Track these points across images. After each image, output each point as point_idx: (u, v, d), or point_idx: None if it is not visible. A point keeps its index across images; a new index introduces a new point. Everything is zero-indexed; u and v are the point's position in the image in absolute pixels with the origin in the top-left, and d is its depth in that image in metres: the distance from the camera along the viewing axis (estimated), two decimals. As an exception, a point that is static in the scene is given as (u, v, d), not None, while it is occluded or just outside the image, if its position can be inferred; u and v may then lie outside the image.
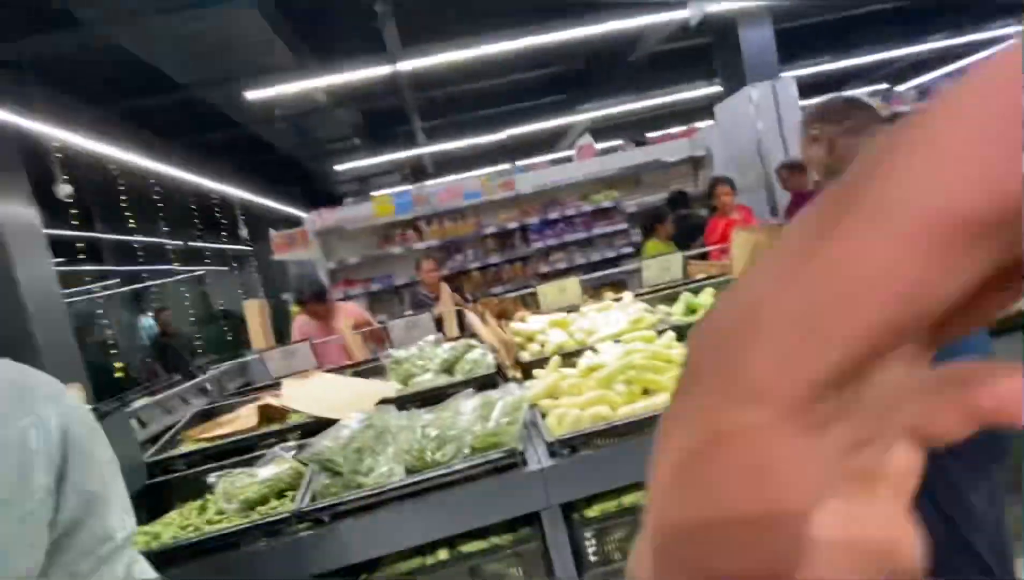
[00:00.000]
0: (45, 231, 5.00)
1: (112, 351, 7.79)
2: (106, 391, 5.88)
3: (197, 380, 2.83)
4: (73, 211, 5.86)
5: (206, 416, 2.13)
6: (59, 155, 4.51)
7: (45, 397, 0.75)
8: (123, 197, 6.62)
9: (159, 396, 2.40)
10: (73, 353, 5.04)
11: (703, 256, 3.47)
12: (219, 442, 1.84)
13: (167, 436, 1.95)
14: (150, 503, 1.66)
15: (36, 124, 3.95)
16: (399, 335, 2.61)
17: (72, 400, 0.84)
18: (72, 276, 8.21)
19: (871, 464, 0.14)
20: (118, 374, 7.23)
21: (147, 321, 10.05)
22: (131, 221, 7.35)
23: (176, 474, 1.70)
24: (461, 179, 6.15)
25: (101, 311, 8.83)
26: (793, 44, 6.15)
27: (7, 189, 4.40)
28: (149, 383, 6.19)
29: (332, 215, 5.34)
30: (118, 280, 10.10)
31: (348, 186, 10.24)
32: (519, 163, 7.50)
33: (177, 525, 1.50)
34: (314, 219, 5.30)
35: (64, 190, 4.63)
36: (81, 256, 7.51)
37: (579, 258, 5.54)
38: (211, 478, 1.51)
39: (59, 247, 6.27)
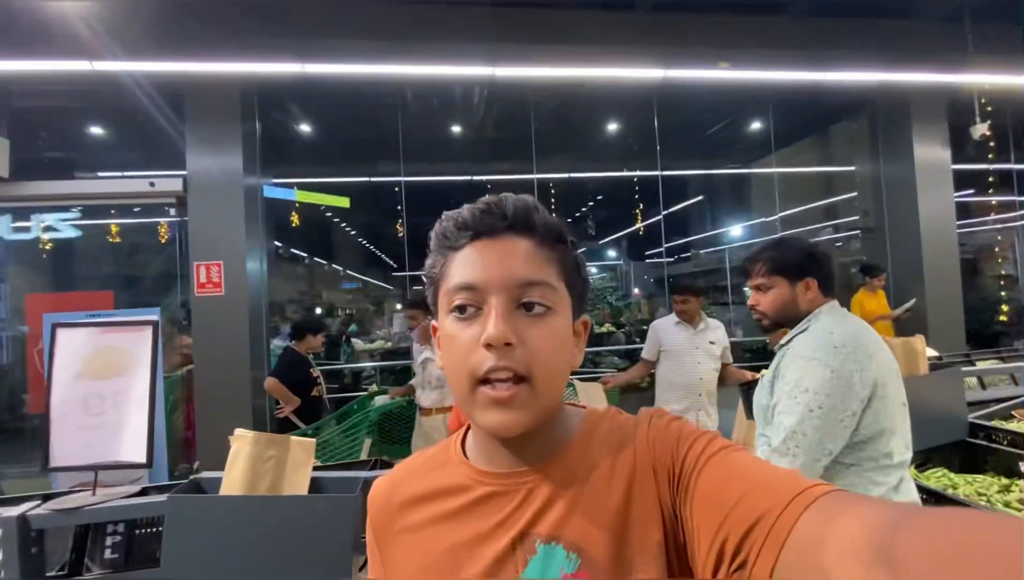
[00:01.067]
0: (953, 167, 5.39)
1: (1002, 293, 7.38)
2: (979, 336, 5.80)
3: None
4: (991, 144, 5.82)
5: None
6: (983, 100, 4.62)
7: (868, 355, 1.18)
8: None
9: (1012, 365, 2.37)
10: (955, 285, 5.34)
11: None
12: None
13: (1000, 406, 2.00)
14: (963, 457, 1.85)
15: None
16: None
17: (886, 356, 1.22)
18: (977, 206, 8.14)
19: None
20: (1002, 318, 6.86)
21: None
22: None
23: (987, 442, 1.78)
24: None
25: (999, 247, 8.39)
26: None
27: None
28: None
29: None
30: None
31: None
32: None
33: (979, 488, 1.65)
34: None
35: (979, 130, 4.73)
36: (989, 188, 7.33)
37: None
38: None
39: (965, 180, 6.44)
